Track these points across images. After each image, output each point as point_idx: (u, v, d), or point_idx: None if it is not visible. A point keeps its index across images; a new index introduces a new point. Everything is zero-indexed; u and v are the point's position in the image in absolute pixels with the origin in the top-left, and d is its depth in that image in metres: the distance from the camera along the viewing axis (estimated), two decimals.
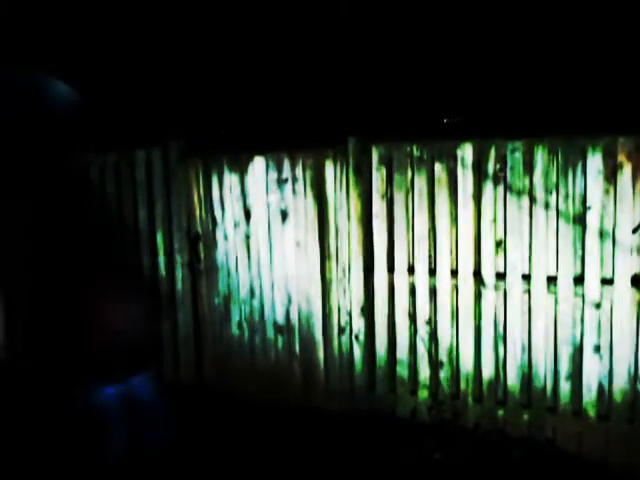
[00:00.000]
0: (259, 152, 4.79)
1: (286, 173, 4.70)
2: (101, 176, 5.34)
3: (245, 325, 4.98)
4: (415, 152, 4.31)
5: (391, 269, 4.47)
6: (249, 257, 4.89)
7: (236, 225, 4.91)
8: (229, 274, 4.98)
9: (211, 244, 5.01)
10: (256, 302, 4.92)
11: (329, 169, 4.57)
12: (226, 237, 4.96)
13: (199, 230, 5.03)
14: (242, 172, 4.85)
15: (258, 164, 4.79)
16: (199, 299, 5.10)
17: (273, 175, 4.75)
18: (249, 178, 4.83)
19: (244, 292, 4.95)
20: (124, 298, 3.35)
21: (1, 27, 6.15)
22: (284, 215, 4.74)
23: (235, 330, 5.02)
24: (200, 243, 5.03)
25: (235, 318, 5.01)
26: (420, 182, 4.31)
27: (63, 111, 5.88)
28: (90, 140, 5.66)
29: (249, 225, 4.86)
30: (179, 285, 5.14)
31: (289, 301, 4.80)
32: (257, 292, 4.90)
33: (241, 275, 4.94)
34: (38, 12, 6.26)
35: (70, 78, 6.16)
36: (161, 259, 5.19)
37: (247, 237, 4.88)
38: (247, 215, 4.86)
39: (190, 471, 4.01)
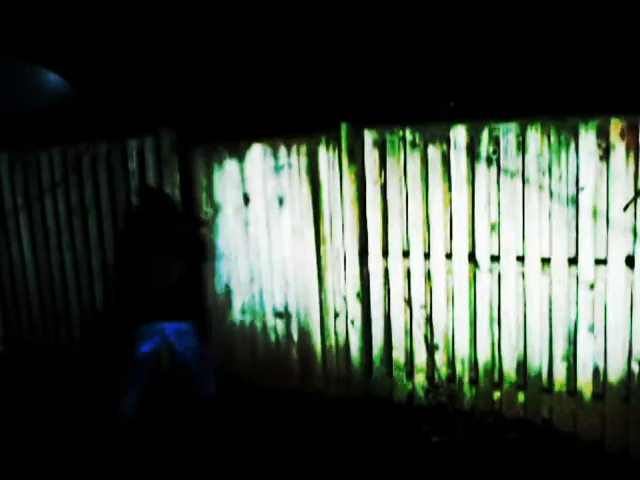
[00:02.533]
0: (256, 139, 4.79)
1: (282, 159, 4.69)
2: (93, 165, 5.32)
3: (247, 311, 4.99)
4: (408, 135, 4.30)
5: (385, 253, 4.47)
6: (247, 242, 4.90)
7: (236, 212, 4.90)
8: (230, 260, 4.99)
9: (213, 231, 5.02)
10: (256, 287, 4.93)
11: (322, 154, 4.56)
12: (227, 224, 4.97)
13: (202, 217, 5.04)
14: (241, 159, 4.85)
15: (256, 151, 4.78)
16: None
17: (270, 161, 4.74)
18: (247, 165, 4.83)
19: (245, 278, 4.95)
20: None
21: None
22: (281, 201, 4.73)
23: (237, 316, 5.03)
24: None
25: (236, 304, 5.02)
26: (413, 165, 4.30)
27: (54, 100, 5.86)
28: (82, 129, 5.64)
29: (248, 211, 4.86)
30: None
31: (287, 286, 4.80)
32: (257, 278, 4.91)
33: (241, 261, 4.95)
34: (29, 3, 6.21)
35: (61, 68, 6.13)
36: None
37: (246, 224, 4.88)
38: (246, 201, 4.86)
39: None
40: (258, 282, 4.92)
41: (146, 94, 6.06)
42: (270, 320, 4.92)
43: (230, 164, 4.89)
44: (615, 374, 3.87)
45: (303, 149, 4.62)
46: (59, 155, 5.46)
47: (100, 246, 5.41)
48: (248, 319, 5.00)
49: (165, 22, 6.16)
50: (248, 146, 4.81)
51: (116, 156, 5.23)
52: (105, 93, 6.20)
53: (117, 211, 5.28)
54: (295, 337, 4.84)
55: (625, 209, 3.69)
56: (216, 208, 4.98)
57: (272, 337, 4.94)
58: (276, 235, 4.79)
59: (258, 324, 4.97)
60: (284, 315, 4.85)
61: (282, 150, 4.70)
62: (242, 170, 4.86)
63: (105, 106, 6.14)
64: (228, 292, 5.03)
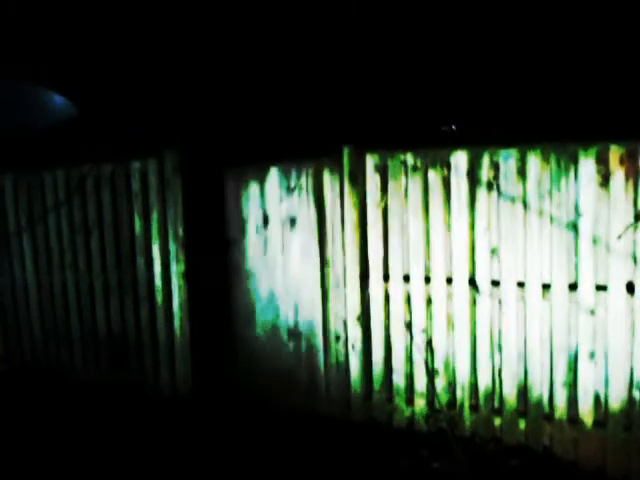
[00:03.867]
0: (275, 162, 4.89)
1: (293, 182, 4.76)
2: (97, 186, 5.36)
3: (265, 329, 5.04)
4: (409, 160, 4.32)
5: (386, 277, 4.47)
6: (266, 262, 4.96)
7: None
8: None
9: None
10: (272, 306, 4.96)
11: (326, 177, 4.61)
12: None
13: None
14: (262, 181, 4.94)
15: (273, 174, 4.87)
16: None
17: (284, 184, 4.84)
18: (267, 187, 4.92)
19: (264, 297, 5.00)
20: None
21: None
22: (292, 222, 4.79)
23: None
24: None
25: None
26: (414, 190, 4.31)
27: (58, 121, 5.90)
28: (86, 150, 5.68)
29: (267, 231, 4.93)
30: (175, 295, 5.14)
31: (297, 306, 4.83)
32: (273, 296, 4.96)
33: (261, 281, 4.99)
34: (32, 25, 6.28)
35: (65, 89, 6.18)
36: (157, 270, 5.19)
37: (265, 244, 4.95)
38: (265, 222, 4.93)
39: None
40: (275, 300, 4.97)
41: (151, 116, 6.11)
42: (284, 339, 4.94)
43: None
44: (616, 401, 3.83)
45: (311, 172, 4.71)
46: (63, 176, 5.50)
47: (102, 267, 5.43)
48: (265, 337, 5.03)
49: (173, 45, 6.22)
50: (268, 169, 4.91)
51: (120, 177, 5.27)
52: (109, 114, 6.25)
53: (120, 232, 5.31)
54: (303, 357, 4.85)
55: (619, 237, 3.70)
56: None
57: (285, 356, 4.95)
58: (288, 256, 4.86)
59: (274, 343, 4.99)
60: (295, 335, 4.87)
61: (294, 173, 4.78)
62: (263, 192, 4.94)
63: (109, 127, 6.18)
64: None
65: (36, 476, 4.09)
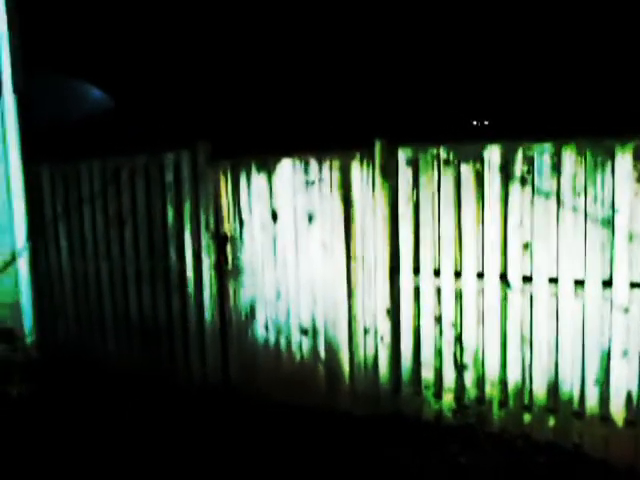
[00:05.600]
0: (286, 154, 4.83)
1: (313, 175, 4.73)
2: (131, 178, 5.44)
3: (271, 326, 5.01)
4: (442, 154, 4.31)
5: (417, 271, 4.47)
6: (275, 259, 4.93)
7: (263, 227, 4.95)
8: (256, 275, 5.02)
9: (239, 245, 5.06)
10: (282, 304, 4.95)
11: (355, 171, 4.59)
12: (253, 239, 5.00)
13: (227, 232, 5.08)
14: (270, 174, 4.89)
15: (286, 166, 4.82)
16: (226, 299, 5.15)
17: (300, 177, 4.78)
18: (276, 180, 4.86)
19: (270, 293, 4.98)
20: None
21: (39, 36, 6.30)
22: (310, 217, 4.76)
23: (261, 332, 5.05)
24: (228, 244, 5.08)
25: (260, 319, 5.04)
26: (446, 184, 4.30)
27: (95, 114, 6.00)
28: (121, 142, 5.76)
29: (276, 227, 4.90)
30: (206, 285, 5.20)
31: (314, 303, 4.81)
32: (283, 294, 4.93)
33: (267, 277, 4.98)
34: (72, 21, 6.40)
35: (103, 82, 6.29)
36: (189, 260, 5.25)
37: (274, 239, 4.91)
38: (274, 217, 4.89)
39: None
40: (284, 298, 4.94)
41: (182, 108, 6.18)
42: (296, 336, 4.93)
43: (258, 179, 4.94)
44: None
45: (336, 165, 4.64)
46: (98, 167, 5.59)
47: (135, 256, 5.51)
48: (272, 335, 5.02)
49: (204, 42, 6.28)
50: (277, 160, 4.85)
51: (153, 169, 5.34)
52: (144, 108, 6.34)
53: (153, 222, 5.39)
54: (322, 354, 4.84)
55: None
56: (242, 222, 5.03)
57: (297, 353, 4.94)
58: (304, 251, 4.82)
59: (282, 340, 4.98)
60: (310, 331, 4.85)
61: (313, 165, 4.73)
62: (270, 185, 4.90)
63: (145, 120, 6.27)
64: (252, 308, 5.07)
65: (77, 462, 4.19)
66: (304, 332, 4.84)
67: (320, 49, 5.85)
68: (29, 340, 5.38)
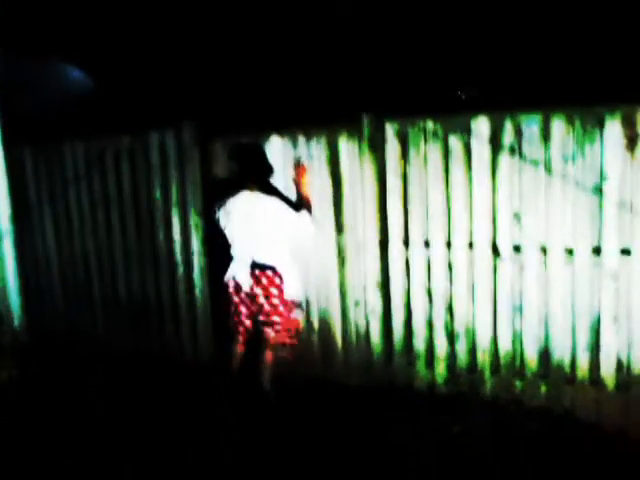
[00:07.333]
0: (275, 130, 4.79)
1: (301, 150, 4.70)
2: (116, 159, 5.37)
3: None
4: (429, 126, 4.30)
5: (406, 243, 4.48)
6: None
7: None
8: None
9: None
10: None
11: (343, 145, 4.57)
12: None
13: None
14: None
15: (274, 142, 4.79)
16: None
17: (289, 153, 4.75)
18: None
19: None
20: None
21: (14, 18, 6.16)
22: None
23: None
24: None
25: None
26: (435, 156, 4.30)
27: (76, 95, 5.91)
28: (104, 123, 5.69)
29: None
30: (195, 262, 5.18)
31: (307, 276, 4.82)
32: None
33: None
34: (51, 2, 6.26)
35: (82, 63, 6.18)
36: (177, 237, 5.22)
37: None
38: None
39: None
40: None
41: (167, 87, 6.10)
42: None
43: None
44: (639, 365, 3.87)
45: (323, 140, 4.62)
46: (82, 149, 5.52)
47: (122, 235, 5.47)
48: None
49: (184, 15, 6.19)
50: (266, 137, 4.81)
51: (138, 150, 5.28)
52: (126, 87, 6.25)
53: (139, 202, 5.34)
54: (316, 326, 4.87)
55: None
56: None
57: None
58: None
59: None
60: (304, 304, 4.87)
61: (301, 141, 4.70)
62: None
63: (126, 100, 6.18)
64: None
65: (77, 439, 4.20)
66: (299, 305, 4.84)
67: (304, 24, 5.80)
68: (17, 323, 5.33)
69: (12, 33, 5.82)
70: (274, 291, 4.38)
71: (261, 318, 4.45)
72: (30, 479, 3.80)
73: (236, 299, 4.51)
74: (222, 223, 4.46)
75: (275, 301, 4.41)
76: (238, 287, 4.46)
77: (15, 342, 5.27)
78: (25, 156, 5.82)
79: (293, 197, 4.67)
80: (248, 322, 4.53)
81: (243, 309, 4.50)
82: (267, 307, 4.40)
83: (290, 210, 4.35)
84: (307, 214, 4.43)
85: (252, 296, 4.42)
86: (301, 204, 4.50)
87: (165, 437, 4.16)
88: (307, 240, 4.56)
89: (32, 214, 5.87)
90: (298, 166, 4.63)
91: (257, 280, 4.37)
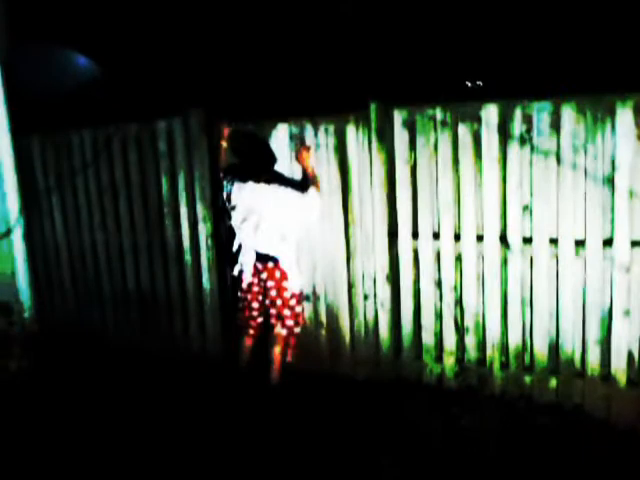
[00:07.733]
0: (282, 119, 4.73)
1: (309, 139, 4.64)
2: (123, 147, 5.34)
3: None
4: (438, 115, 4.22)
5: (415, 235, 4.41)
6: None
7: None
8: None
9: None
10: None
11: (351, 134, 4.50)
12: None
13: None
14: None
15: (281, 131, 4.73)
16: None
17: (296, 141, 4.68)
18: (273, 145, 4.75)
19: None
20: None
21: (22, 5, 6.14)
22: None
23: None
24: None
25: None
26: (444, 145, 4.22)
27: (83, 82, 5.88)
28: (112, 110, 5.66)
29: None
30: (204, 255, 5.14)
31: (314, 269, 4.77)
32: None
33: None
34: None
35: (89, 50, 6.15)
36: (185, 230, 5.19)
37: None
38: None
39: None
40: None
41: (174, 74, 6.06)
42: None
43: None
44: None
45: (331, 129, 4.55)
46: (90, 137, 5.49)
47: (131, 226, 5.45)
48: None
49: (193, 3, 6.13)
50: (273, 126, 4.75)
51: (146, 137, 5.24)
52: (133, 74, 6.21)
53: (147, 191, 5.31)
54: (323, 319, 4.82)
55: None
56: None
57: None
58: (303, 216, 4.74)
59: None
60: (311, 297, 4.82)
61: (309, 130, 4.64)
62: None
63: (133, 87, 6.15)
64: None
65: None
66: (305, 298, 4.80)
67: (313, 12, 5.71)
68: (27, 314, 5.33)
69: (19, 21, 5.80)
70: (284, 284, 4.38)
71: (272, 312, 4.45)
72: (38, 469, 3.81)
73: (248, 294, 4.51)
74: (233, 199, 4.45)
75: (286, 294, 4.41)
76: (249, 281, 4.45)
77: (25, 333, 5.27)
78: (33, 144, 5.80)
79: (298, 177, 4.66)
80: (258, 316, 4.53)
81: (255, 304, 4.51)
82: (278, 302, 4.40)
83: (296, 194, 4.33)
84: (314, 190, 4.42)
85: (263, 290, 4.41)
86: (307, 182, 4.47)
87: (173, 431, 4.15)
88: (315, 219, 4.52)
89: (41, 203, 5.87)
90: (302, 147, 4.58)
91: (266, 273, 4.37)
